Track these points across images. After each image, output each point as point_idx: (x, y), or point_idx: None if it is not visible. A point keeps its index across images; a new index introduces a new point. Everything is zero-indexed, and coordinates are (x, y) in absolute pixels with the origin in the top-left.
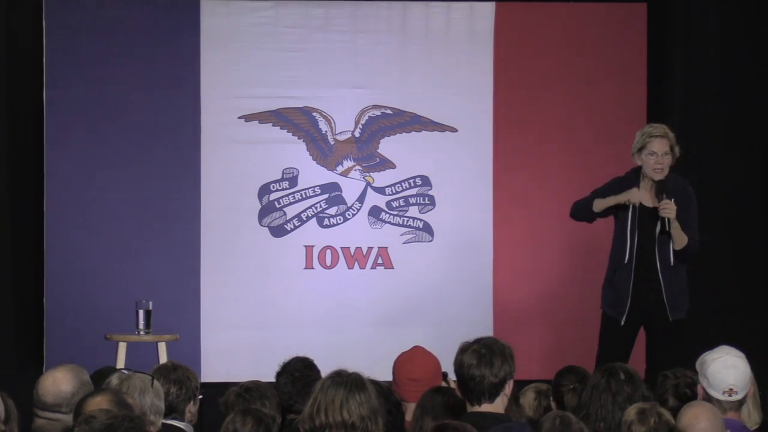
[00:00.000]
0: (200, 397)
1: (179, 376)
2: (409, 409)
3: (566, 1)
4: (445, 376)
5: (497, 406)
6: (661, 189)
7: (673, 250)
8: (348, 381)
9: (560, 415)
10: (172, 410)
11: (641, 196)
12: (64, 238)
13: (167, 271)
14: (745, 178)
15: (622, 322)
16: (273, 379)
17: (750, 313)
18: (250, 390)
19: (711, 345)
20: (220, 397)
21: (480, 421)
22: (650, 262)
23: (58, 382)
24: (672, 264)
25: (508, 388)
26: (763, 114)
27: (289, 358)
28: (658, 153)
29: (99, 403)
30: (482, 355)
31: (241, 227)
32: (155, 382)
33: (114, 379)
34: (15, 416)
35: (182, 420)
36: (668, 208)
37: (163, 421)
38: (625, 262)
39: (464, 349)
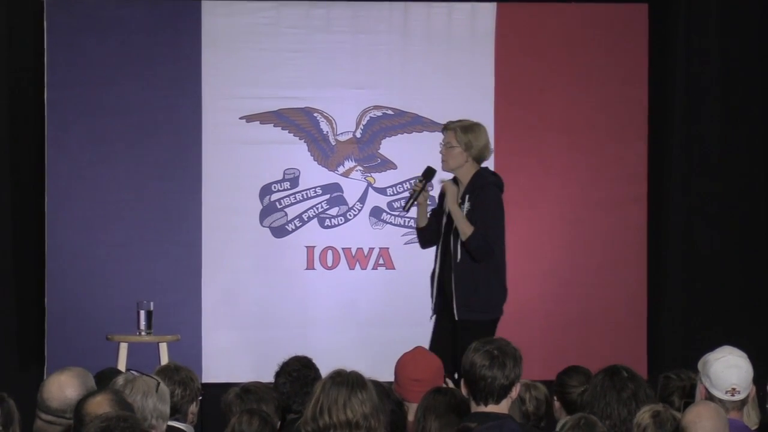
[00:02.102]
0: (200, 398)
1: (183, 377)
2: (411, 410)
3: (568, 2)
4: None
5: (502, 407)
6: (427, 176)
7: (461, 246)
8: (349, 380)
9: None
10: (175, 411)
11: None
12: (65, 238)
13: (168, 271)
14: (747, 178)
15: (432, 318)
16: (272, 380)
17: (752, 314)
18: (250, 391)
19: (713, 345)
20: (221, 398)
21: (485, 421)
22: (451, 260)
23: (64, 387)
24: (459, 261)
25: (515, 390)
26: (764, 114)
27: (288, 358)
28: (440, 144)
29: (99, 403)
30: (495, 357)
31: (242, 228)
32: (161, 386)
33: (120, 380)
34: (17, 418)
35: (185, 421)
36: (413, 188)
37: None
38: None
39: (476, 349)
